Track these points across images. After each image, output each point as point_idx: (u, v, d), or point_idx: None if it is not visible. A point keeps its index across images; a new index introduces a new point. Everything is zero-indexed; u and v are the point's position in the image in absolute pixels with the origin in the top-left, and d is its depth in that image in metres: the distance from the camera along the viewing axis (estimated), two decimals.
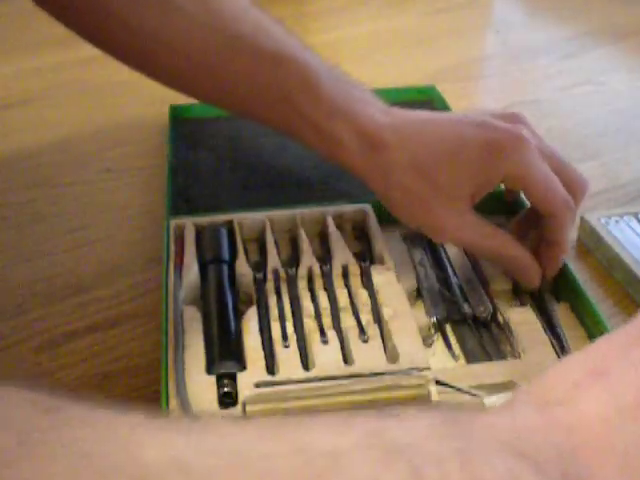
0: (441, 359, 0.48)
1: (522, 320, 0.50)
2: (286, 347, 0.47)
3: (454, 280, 0.54)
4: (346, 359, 0.47)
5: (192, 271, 0.53)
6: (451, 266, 0.56)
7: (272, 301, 0.51)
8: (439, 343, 0.50)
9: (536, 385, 0.28)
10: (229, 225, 0.58)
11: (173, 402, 0.43)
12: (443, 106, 0.77)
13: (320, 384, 0.45)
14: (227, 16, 0.54)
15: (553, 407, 0.26)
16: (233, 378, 0.45)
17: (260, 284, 0.53)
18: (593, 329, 0.49)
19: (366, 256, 0.56)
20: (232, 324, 0.49)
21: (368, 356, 0.47)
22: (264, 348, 0.47)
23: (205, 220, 0.58)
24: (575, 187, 0.51)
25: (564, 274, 0.53)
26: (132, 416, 0.24)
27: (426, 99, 0.80)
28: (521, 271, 0.52)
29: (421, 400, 0.43)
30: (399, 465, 0.23)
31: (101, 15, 0.54)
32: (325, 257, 0.55)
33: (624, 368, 0.28)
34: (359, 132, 0.51)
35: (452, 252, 0.57)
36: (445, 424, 0.25)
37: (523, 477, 0.23)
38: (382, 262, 0.54)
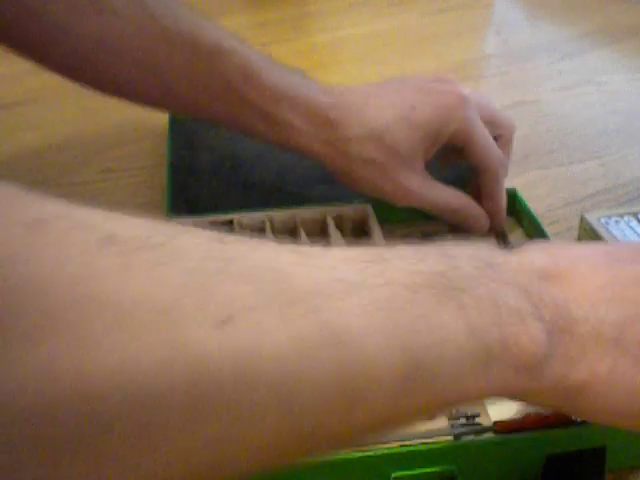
0: None
1: None
2: None
3: None
4: None
5: None
6: None
7: None
8: None
9: (554, 247, 0.36)
10: (229, 225, 0.58)
11: None
12: None
13: None
14: (162, 14, 0.54)
15: (563, 268, 0.33)
16: None
17: None
18: None
19: None
20: None
21: None
22: None
23: (205, 220, 0.58)
24: (505, 129, 0.57)
25: None
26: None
27: None
28: (477, 225, 0.57)
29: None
30: (452, 302, 0.29)
31: (37, 26, 0.53)
32: None
33: (636, 263, 0.34)
34: (309, 114, 0.53)
35: None
36: (486, 267, 0.31)
37: (526, 315, 0.30)
38: None
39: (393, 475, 0.40)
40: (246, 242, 0.27)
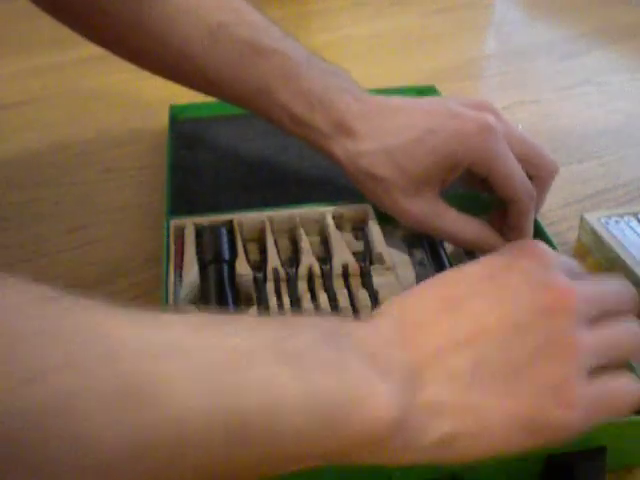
0: None
1: None
2: None
3: None
4: None
5: (192, 271, 0.53)
6: (451, 266, 0.56)
7: (272, 301, 0.51)
8: None
9: (398, 304, 0.36)
10: (229, 225, 0.58)
11: None
12: None
13: None
14: (209, 4, 0.55)
15: (408, 327, 0.34)
16: None
17: (260, 284, 0.53)
18: None
19: (366, 256, 0.56)
20: None
21: None
22: None
23: (205, 220, 0.58)
24: (544, 170, 0.53)
25: None
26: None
27: None
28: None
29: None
30: (290, 367, 0.30)
31: (89, 7, 0.55)
32: (325, 257, 0.55)
33: (472, 298, 0.35)
34: (335, 121, 0.53)
35: (452, 252, 0.57)
36: (327, 337, 0.32)
37: (372, 379, 0.31)
38: (382, 262, 0.54)
39: (393, 475, 0.40)
40: (78, 303, 0.28)
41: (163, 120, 0.77)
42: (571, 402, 0.33)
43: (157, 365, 0.27)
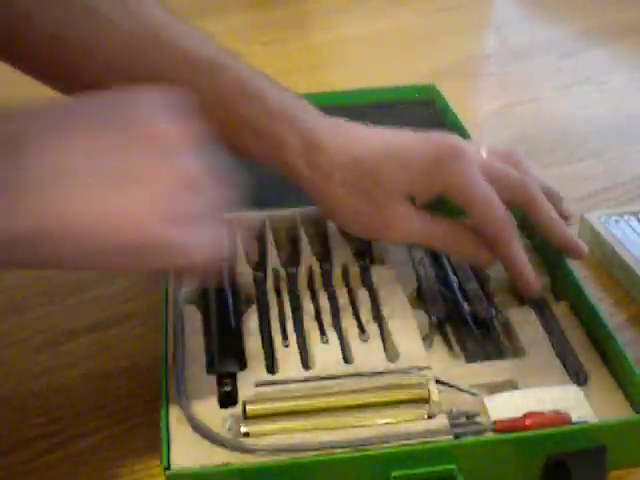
0: (441, 359, 0.48)
1: (522, 320, 0.50)
2: (286, 347, 0.47)
3: (454, 280, 0.54)
4: (346, 358, 0.47)
5: None
6: (451, 266, 0.56)
7: (272, 301, 0.51)
8: (439, 343, 0.50)
9: None
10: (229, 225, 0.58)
11: (173, 402, 0.43)
12: (444, 105, 0.77)
13: (320, 383, 0.45)
14: (157, 24, 0.52)
15: None
16: (233, 377, 0.45)
17: (260, 284, 0.53)
18: (593, 329, 0.49)
19: (366, 256, 0.56)
20: (232, 324, 0.49)
21: (368, 355, 0.47)
22: (264, 348, 0.47)
23: None
24: (519, 193, 0.50)
25: (564, 274, 0.53)
26: None
27: (426, 98, 0.80)
28: (479, 262, 0.52)
29: (421, 400, 0.43)
30: None
31: (27, 30, 0.51)
32: (325, 257, 0.55)
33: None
34: (302, 134, 0.51)
35: None
36: None
37: None
38: (382, 262, 0.55)
39: (393, 475, 0.40)
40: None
41: None
42: (166, 217, 0.36)
43: None
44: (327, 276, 0.53)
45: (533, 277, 0.50)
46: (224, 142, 0.54)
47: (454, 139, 0.50)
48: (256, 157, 0.53)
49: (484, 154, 0.50)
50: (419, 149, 0.50)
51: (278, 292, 0.52)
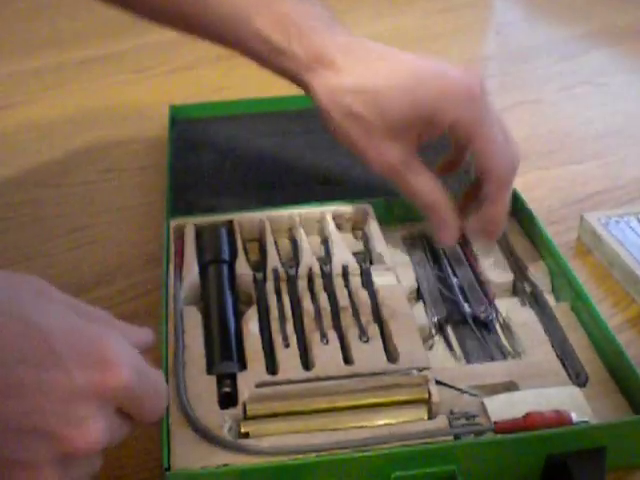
0: (441, 359, 0.48)
1: (522, 320, 0.50)
2: (286, 347, 0.47)
3: (454, 280, 0.54)
4: (346, 359, 0.47)
5: (192, 271, 0.53)
6: (451, 266, 0.56)
7: (272, 301, 0.51)
8: (439, 343, 0.50)
9: None
10: (229, 225, 0.58)
11: (173, 403, 0.43)
12: None
13: (320, 384, 0.45)
14: None
15: None
16: (233, 378, 0.45)
17: (260, 284, 0.53)
18: (593, 329, 0.49)
19: (366, 256, 0.56)
20: (232, 324, 0.49)
21: (368, 356, 0.47)
22: (264, 348, 0.47)
23: (205, 220, 0.58)
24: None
25: (564, 274, 0.53)
26: None
27: None
28: (437, 222, 0.52)
29: (421, 401, 0.43)
30: None
31: None
32: (325, 257, 0.55)
33: None
34: (315, 51, 0.50)
35: (452, 252, 0.57)
36: None
37: None
38: (382, 262, 0.54)
39: (393, 475, 0.40)
40: None
41: (163, 120, 0.77)
42: None
43: None
44: (327, 277, 0.53)
45: (503, 223, 0.52)
46: (242, 53, 0.54)
47: (473, 78, 0.49)
48: (267, 66, 0.53)
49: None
50: (434, 83, 0.49)
51: (278, 293, 0.52)
